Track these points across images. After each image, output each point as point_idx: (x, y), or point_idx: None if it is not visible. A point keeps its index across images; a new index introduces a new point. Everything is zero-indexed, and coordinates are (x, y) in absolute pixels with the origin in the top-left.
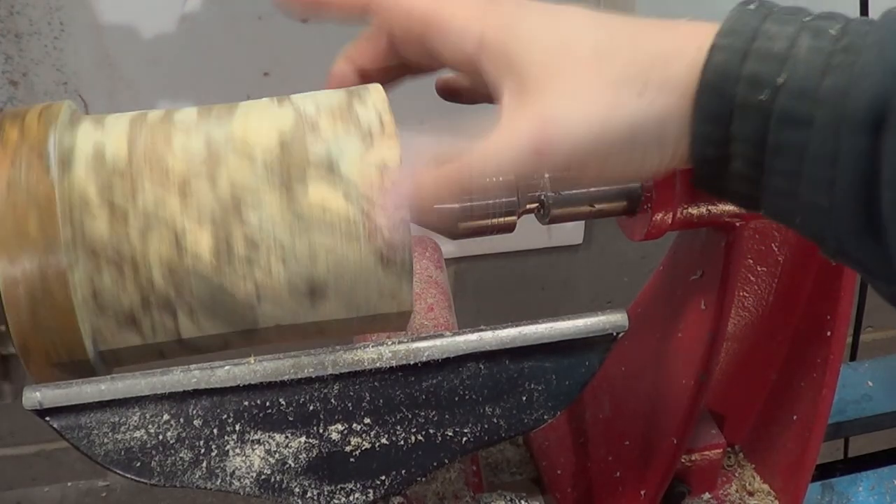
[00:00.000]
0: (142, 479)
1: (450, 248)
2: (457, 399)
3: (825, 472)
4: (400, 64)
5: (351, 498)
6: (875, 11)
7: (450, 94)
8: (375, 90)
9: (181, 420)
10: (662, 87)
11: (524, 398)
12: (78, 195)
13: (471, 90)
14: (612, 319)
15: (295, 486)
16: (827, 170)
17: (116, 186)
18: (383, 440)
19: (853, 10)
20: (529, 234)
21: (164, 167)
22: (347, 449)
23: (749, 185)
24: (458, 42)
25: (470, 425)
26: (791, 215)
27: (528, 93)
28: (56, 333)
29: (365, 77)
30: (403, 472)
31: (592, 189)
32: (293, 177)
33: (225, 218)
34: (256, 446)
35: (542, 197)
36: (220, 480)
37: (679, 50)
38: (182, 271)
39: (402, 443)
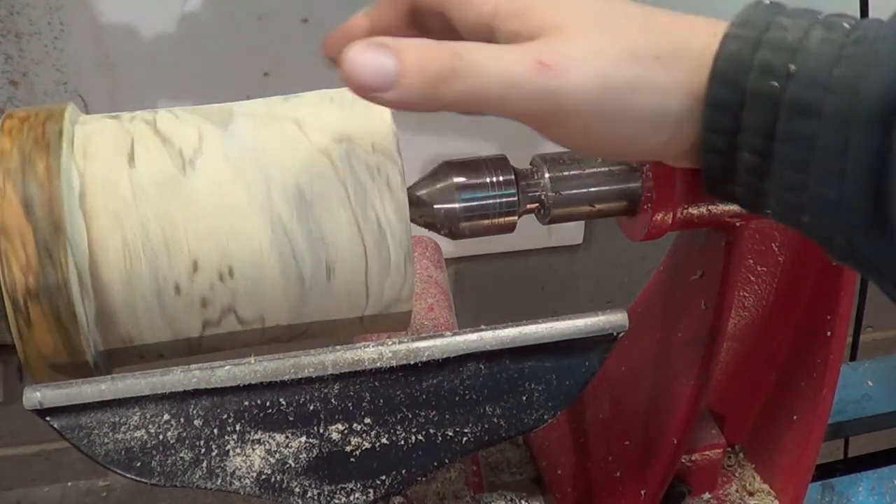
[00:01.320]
0: (142, 479)
1: (450, 248)
2: (457, 399)
3: (825, 472)
4: (416, 35)
5: (351, 498)
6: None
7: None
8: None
9: (181, 420)
10: (672, 63)
11: (524, 398)
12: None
13: None
14: (612, 319)
15: (295, 486)
16: (836, 160)
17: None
18: (383, 440)
19: (853, 11)
20: (529, 234)
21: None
22: (348, 449)
23: (757, 178)
24: (476, 9)
25: (470, 425)
26: (798, 212)
27: (539, 37)
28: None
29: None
30: (404, 472)
31: (592, 189)
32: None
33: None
34: (257, 446)
35: (543, 197)
36: (220, 480)
37: (694, 34)
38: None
39: (402, 443)
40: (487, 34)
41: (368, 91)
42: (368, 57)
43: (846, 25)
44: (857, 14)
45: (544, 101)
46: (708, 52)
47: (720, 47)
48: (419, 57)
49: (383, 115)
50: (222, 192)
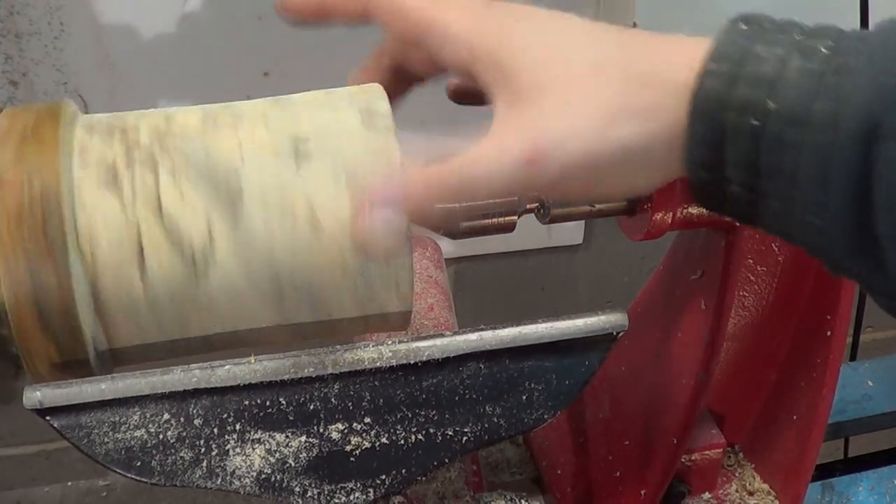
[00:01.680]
0: (142, 479)
1: (450, 248)
2: (457, 399)
3: (825, 472)
4: (404, 79)
5: (351, 497)
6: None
7: (461, 96)
8: (373, 87)
9: (181, 419)
10: (656, 112)
11: (524, 398)
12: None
13: (481, 92)
14: (612, 319)
15: (295, 486)
16: (818, 193)
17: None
18: (383, 440)
19: (853, 11)
20: (529, 234)
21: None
22: (348, 448)
23: (746, 207)
24: (453, 48)
25: (470, 425)
26: (790, 235)
27: (521, 102)
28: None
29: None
30: (404, 471)
31: None
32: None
33: (214, 109)
34: (257, 446)
35: (543, 197)
36: (220, 480)
37: (673, 71)
38: (169, 135)
39: (402, 442)
40: (468, 73)
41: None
42: (378, 222)
43: (824, 50)
44: (857, 13)
45: (539, 188)
46: (687, 87)
47: (697, 85)
48: (423, 199)
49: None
50: (236, 300)
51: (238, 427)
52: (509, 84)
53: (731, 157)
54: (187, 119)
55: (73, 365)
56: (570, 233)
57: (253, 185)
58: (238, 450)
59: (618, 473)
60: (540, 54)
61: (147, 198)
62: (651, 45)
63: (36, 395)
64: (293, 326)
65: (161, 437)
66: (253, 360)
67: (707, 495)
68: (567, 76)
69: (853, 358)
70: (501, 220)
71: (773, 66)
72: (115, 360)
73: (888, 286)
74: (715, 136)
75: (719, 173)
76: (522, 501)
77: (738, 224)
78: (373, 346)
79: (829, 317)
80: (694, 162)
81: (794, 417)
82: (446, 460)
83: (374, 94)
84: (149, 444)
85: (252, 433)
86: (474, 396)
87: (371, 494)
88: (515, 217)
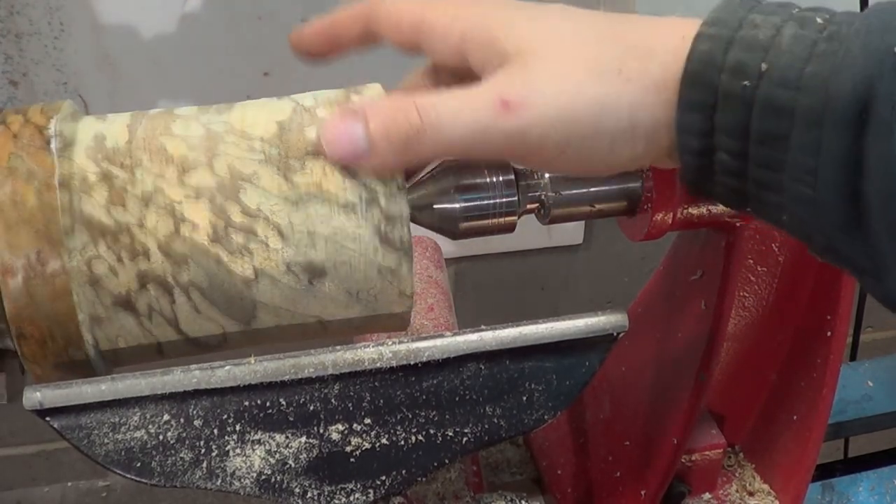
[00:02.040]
0: (142, 480)
1: (450, 248)
2: (457, 399)
3: (825, 472)
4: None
5: (351, 498)
6: None
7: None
8: (373, 87)
9: (181, 420)
10: (639, 76)
11: (524, 398)
12: (77, 175)
13: None
14: (612, 319)
15: (295, 487)
16: (810, 160)
17: (115, 165)
18: (384, 440)
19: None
20: (529, 234)
21: (163, 149)
22: (348, 449)
23: (734, 179)
24: (445, 41)
25: (470, 425)
26: (777, 211)
27: (505, 65)
28: (54, 321)
29: (337, 39)
30: (404, 472)
31: (592, 189)
32: (291, 157)
33: (223, 196)
34: (257, 446)
35: (543, 197)
36: (220, 480)
37: (662, 40)
38: (179, 248)
39: (402, 443)
40: (461, 62)
41: (350, 161)
42: (342, 128)
43: (819, 21)
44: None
45: (511, 140)
46: (678, 54)
47: (691, 48)
48: (385, 122)
49: (403, 318)
50: None
51: (238, 428)
52: (497, 55)
53: (722, 123)
54: (195, 217)
55: (73, 365)
56: (570, 233)
57: (265, 296)
58: (238, 451)
59: (618, 473)
60: (528, 26)
61: (162, 312)
62: (642, 21)
63: (36, 396)
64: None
65: (161, 437)
66: (253, 361)
67: (707, 495)
68: (553, 40)
69: (853, 358)
70: (501, 220)
71: (768, 32)
72: (115, 360)
73: (877, 265)
74: (706, 100)
75: (709, 141)
76: (522, 502)
77: (737, 224)
78: (373, 346)
79: (829, 317)
80: (683, 129)
81: (794, 417)
82: (446, 461)
83: (392, 184)
84: (149, 445)
85: (252, 434)
86: (474, 397)
87: (371, 495)
88: (515, 217)
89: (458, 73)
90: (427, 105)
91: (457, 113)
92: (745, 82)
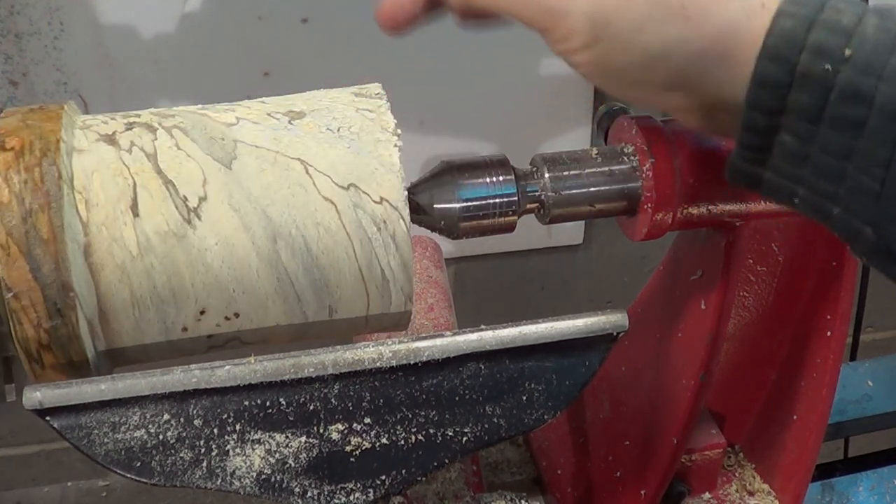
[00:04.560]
0: (142, 479)
1: (450, 248)
2: (457, 399)
3: (825, 472)
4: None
5: (351, 498)
6: None
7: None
8: (374, 86)
9: (181, 420)
10: (701, 19)
11: (524, 398)
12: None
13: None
14: (612, 319)
15: (295, 486)
16: (884, 150)
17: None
18: (383, 440)
19: None
20: (529, 234)
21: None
22: (348, 449)
23: (792, 164)
24: None
25: (470, 425)
26: (830, 203)
27: None
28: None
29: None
30: (404, 472)
31: (592, 189)
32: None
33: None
34: (257, 446)
35: (543, 197)
36: (220, 480)
37: (742, 3)
38: (168, 115)
39: (402, 443)
40: None
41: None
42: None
43: None
44: None
45: (548, 17)
46: (753, 20)
47: (772, 23)
48: None
49: (392, 157)
50: (229, 246)
51: (238, 427)
52: None
53: (794, 103)
54: (186, 108)
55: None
56: (570, 233)
57: (246, 136)
58: (238, 450)
59: (618, 473)
60: None
61: (143, 147)
62: None
63: (36, 396)
64: (291, 302)
65: (161, 437)
66: (253, 361)
67: (707, 495)
68: None
69: (853, 358)
70: (501, 220)
71: (851, 18)
72: (112, 347)
73: None
74: (782, 78)
75: (776, 120)
76: (522, 502)
77: (737, 224)
78: (373, 346)
79: (829, 317)
80: (753, 104)
81: (794, 417)
82: (446, 461)
83: (371, 86)
84: (149, 445)
85: (252, 434)
86: (474, 397)
87: (371, 495)
88: (515, 217)
89: None
90: None
91: None
92: (827, 65)
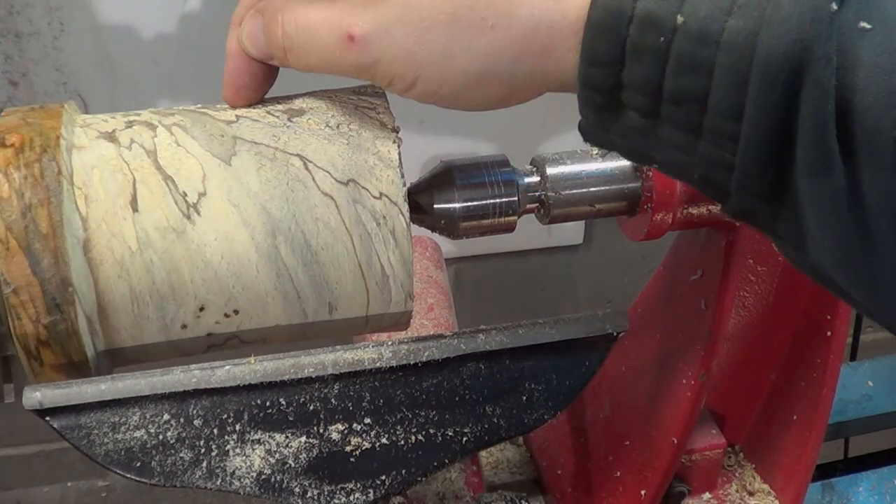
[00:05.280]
0: (142, 479)
1: (450, 248)
2: (457, 399)
3: (825, 472)
4: None
5: (351, 498)
6: None
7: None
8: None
9: (181, 420)
10: (506, 24)
11: (524, 398)
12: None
13: None
14: (612, 319)
15: (295, 486)
16: (731, 124)
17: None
18: (383, 440)
19: None
20: (529, 234)
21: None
22: (348, 449)
23: (641, 138)
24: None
25: (470, 425)
26: (688, 170)
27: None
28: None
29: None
30: (404, 472)
31: (593, 189)
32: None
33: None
34: (256, 446)
35: (543, 197)
36: (220, 480)
37: None
38: (168, 113)
39: (402, 443)
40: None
41: (266, 61)
42: (250, 26)
43: None
44: None
45: (360, 72)
46: (560, 6)
47: None
48: (265, 30)
49: (391, 153)
50: (228, 242)
51: (238, 428)
52: None
53: (630, 79)
54: (186, 107)
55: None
56: (570, 233)
57: (246, 133)
58: (238, 450)
59: (618, 473)
60: None
61: (143, 144)
62: None
63: (36, 396)
64: (291, 298)
65: (161, 437)
66: (253, 361)
67: (707, 495)
68: None
69: (853, 358)
70: (501, 220)
71: None
72: (111, 346)
73: (798, 233)
74: (612, 54)
75: (615, 97)
76: (522, 502)
77: (737, 224)
78: (373, 346)
79: (829, 317)
80: (587, 84)
81: (794, 417)
82: (446, 461)
83: (371, 85)
84: (148, 445)
85: (252, 434)
86: (474, 397)
87: (371, 495)
88: (515, 217)
89: None
90: (290, 23)
91: (312, 37)
92: (658, 36)
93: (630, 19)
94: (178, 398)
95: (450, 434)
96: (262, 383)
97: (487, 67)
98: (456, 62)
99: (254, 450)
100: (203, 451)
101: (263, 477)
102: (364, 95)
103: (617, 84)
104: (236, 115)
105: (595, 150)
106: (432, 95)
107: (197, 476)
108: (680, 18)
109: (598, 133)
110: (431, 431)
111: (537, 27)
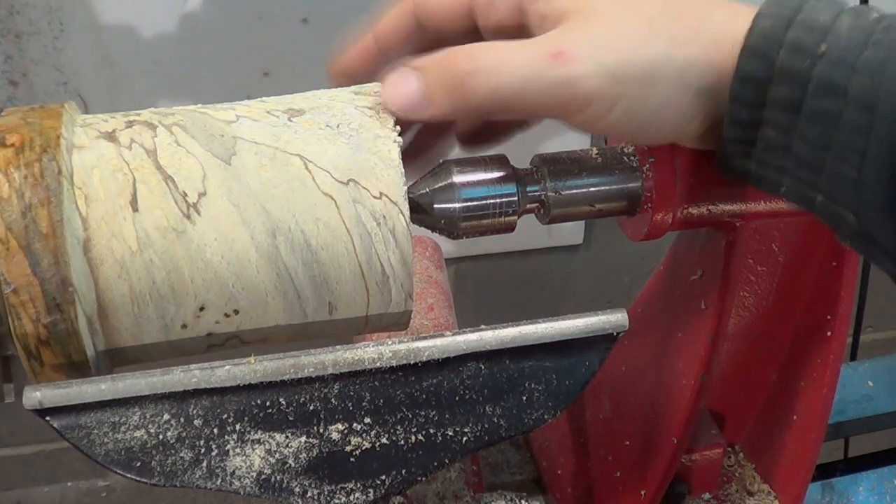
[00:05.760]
0: (142, 479)
1: (450, 248)
2: (457, 399)
3: (825, 472)
4: (421, 43)
5: (351, 498)
6: None
7: (469, 140)
8: (374, 85)
9: (181, 420)
10: (692, 41)
11: (524, 398)
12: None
13: (491, 129)
14: (612, 319)
15: (295, 486)
16: (859, 139)
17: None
18: (383, 440)
19: None
20: (529, 234)
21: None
22: (348, 449)
23: (775, 155)
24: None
25: (470, 425)
26: (812, 191)
27: (562, 22)
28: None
29: (388, 51)
30: (404, 471)
31: (593, 189)
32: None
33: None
34: (256, 446)
35: (543, 197)
36: (220, 480)
37: (720, 10)
38: (169, 113)
39: (402, 443)
40: (516, 23)
41: (410, 115)
42: (400, 83)
43: (874, 15)
44: None
45: (561, 91)
46: (733, 26)
47: (753, 23)
48: (439, 70)
49: (391, 153)
50: (228, 242)
51: (238, 427)
52: (556, 11)
53: (775, 97)
54: (186, 107)
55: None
56: (570, 233)
57: (246, 133)
58: (238, 450)
59: (618, 473)
60: None
61: (143, 144)
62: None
63: (36, 396)
64: (291, 298)
65: (161, 437)
66: (253, 361)
67: (707, 495)
68: (610, 4)
69: (853, 358)
70: (501, 220)
71: (827, 17)
72: (111, 346)
73: None
74: (762, 73)
75: (758, 113)
76: (522, 502)
77: (737, 224)
78: (373, 346)
79: (829, 317)
80: (736, 99)
81: (794, 417)
82: (446, 461)
83: (371, 85)
84: (149, 445)
85: (252, 433)
86: (474, 397)
87: (371, 495)
88: (515, 217)
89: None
90: (478, 50)
91: (508, 57)
92: (804, 61)
93: (781, 45)
94: (178, 398)
95: (450, 434)
96: (262, 383)
97: (684, 84)
98: (655, 82)
99: (254, 450)
100: (203, 450)
101: (263, 477)
102: (364, 95)
103: (762, 101)
104: (236, 115)
105: (595, 150)
106: (629, 121)
107: (197, 476)
108: (823, 46)
109: (736, 160)
110: (431, 431)
111: (717, 48)
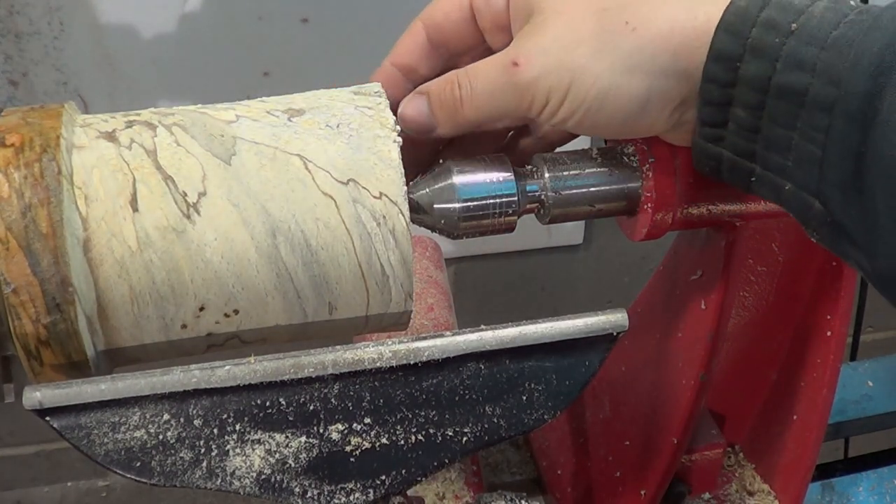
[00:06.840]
0: (142, 479)
1: (450, 248)
2: (457, 399)
3: (825, 472)
4: (438, 59)
5: (351, 498)
6: None
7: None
8: (373, 86)
9: (181, 420)
10: (646, 25)
11: (524, 398)
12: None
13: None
14: (612, 319)
15: (295, 486)
16: (824, 116)
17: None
18: (383, 440)
19: None
20: (529, 234)
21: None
22: (347, 449)
23: (745, 138)
24: (494, 9)
25: (470, 425)
26: (781, 178)
27: (528, 29)
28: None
29: (409, 73)
30: (403, 472)
31: (592, 189)
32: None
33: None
34: (256, 446)
35: (543, 197)
36: (220, 480)
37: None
38: (168, 113)
39: (402, 443)
40: (504, 27)
41: (424, 135)
42: (411, 108)
43: (851, 2)
44: None
45: (523, 94)
46: (697, 11)
47: (729, 3)
48: (439, 95)
49: (391, 153)
50: (228, 241)
51: (238, 427)
52: (525, 12)
53: (745, 73)
54: (186, 107)
55: (74, 366)
56: (570, 233)
57: (246, 133)
58: (238, 450)
59: (618, 473)
60: None
61: (143, 144)
62: None
63: (36, 396)
64: (291, 298)
65: (161, 437)
66: (253, 361)
67: (707, 495)
68: (574, 3)
69: (853, 358)
70: (501, 220)
71: (804, 0)
72: (111, 346)
73: (872, 236)
74: (735, 51)
75: (729, 92)
76: (522, 502)
77: (737, 224)
78: (373, 346)
79: (829, 317)
80: (708, 77)
81: (794, 417)
82: (446, 461)
83: (371, 85)
84: (148, 445)
85: (252, 434)
86: (474, 397)
87: (371, 495)
88: (515, 217)
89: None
90: (462, 75)
91: (482, 77)
92: (775, 38)
93: (754, 23)
94: (178, 398)
95: (450, 434)
96: (262, 383)
97: (632, 64)
98: (603, 60)
99: (254, 450)
100: (203, 450)
101: (263, 477)
102: (363, 95)
103: (733, 79)
104: (236, 115)
105: (595, 150)
106: (582, 102)
107: (197, 476)
108: (795, 25)
109: (709, 145)
110: (431, 431)
111: (672, 28)
